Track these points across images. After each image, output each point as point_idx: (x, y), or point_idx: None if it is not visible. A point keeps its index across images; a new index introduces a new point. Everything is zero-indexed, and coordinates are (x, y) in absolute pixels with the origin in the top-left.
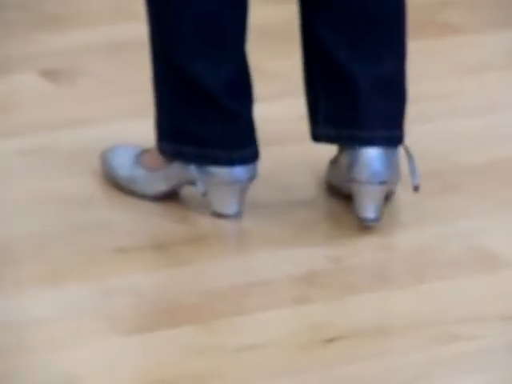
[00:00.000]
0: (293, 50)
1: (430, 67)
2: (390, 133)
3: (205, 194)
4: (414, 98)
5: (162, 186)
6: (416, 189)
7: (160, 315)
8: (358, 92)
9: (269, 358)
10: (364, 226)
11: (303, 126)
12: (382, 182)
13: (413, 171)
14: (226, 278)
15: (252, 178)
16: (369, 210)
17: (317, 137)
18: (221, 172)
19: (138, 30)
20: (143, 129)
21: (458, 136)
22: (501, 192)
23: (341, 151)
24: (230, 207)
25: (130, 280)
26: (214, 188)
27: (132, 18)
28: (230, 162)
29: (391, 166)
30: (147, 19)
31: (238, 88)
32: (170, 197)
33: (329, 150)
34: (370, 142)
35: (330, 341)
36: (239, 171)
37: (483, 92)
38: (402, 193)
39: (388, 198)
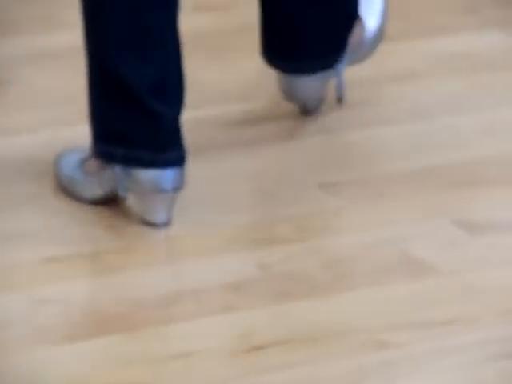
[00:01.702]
0: (225, 59)
1: (359, 74)
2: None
3: (125, 199)
4: (341, 105)
5: (97, 191)
6: (339, 100)
7: (90, 324)
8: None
9: (198, 366)
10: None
11: (235, 133)
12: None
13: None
14: (155, 287)
15: (177, 187)
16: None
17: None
18: (146, 180)
19: (69, 38)
20: (77, 136)
21: (385, 143)
22: (427, 199)
23: None
24: (157, 215)
25: (59, 289)
26: (141, 195)
27: (64, 26)
28: (153, 163)
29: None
30: (82, 21)
31: (163, 89)
32: (107, 202)
33: (261, 160)
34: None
35: (259, 349)
36: (164, 180)
37: (408, 99)
38: (329, 200)
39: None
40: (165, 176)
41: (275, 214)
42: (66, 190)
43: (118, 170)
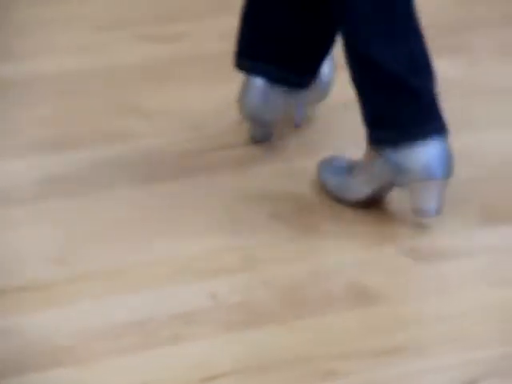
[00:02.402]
0: (170, 88)
1: None
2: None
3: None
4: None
5: (365, 189)
6: (297, 126)
7: (38, 356)
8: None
9: None
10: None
11: (187, 162)
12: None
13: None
14: (104, 317)
15: (447, 175)
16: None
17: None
18: (418, 168)
19: (18, 69)
20: (29, 168)
21: None
22: (370, 229)
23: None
24: (430, 204)
25: (7, 321)
26: (413, 185)
27: (13, 57)
28: (420, 135)
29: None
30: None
31: (418, 65)
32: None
33: (213, 189)
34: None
35: (211, 379)
36: (435, 167)
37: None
38: (279, 229)
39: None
40: (435, 162)
41: (226, 244)
42: (333, 195)
43: (388, 159)
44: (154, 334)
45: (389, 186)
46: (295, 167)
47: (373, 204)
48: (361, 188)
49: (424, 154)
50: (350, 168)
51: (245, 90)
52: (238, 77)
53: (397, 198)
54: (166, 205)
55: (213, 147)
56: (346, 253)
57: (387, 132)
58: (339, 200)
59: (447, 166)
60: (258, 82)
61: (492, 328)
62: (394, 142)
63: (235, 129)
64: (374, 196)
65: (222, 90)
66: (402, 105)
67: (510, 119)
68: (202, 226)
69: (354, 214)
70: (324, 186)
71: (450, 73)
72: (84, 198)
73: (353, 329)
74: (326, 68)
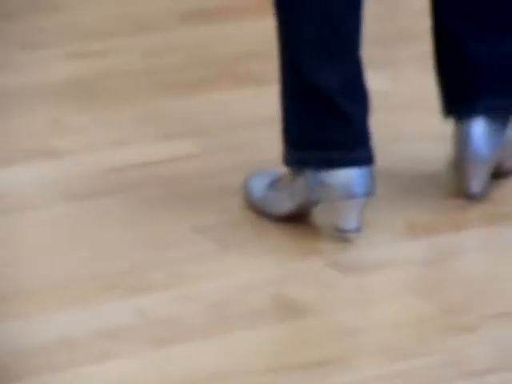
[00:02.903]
0: (93, 105)
1: (231, 117)
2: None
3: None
4: None
5: (287, 204)
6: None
7: None
8: (483, 69)
9: None
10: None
11: (108, 178)
12: (487, 162)
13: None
14: (32, 335)
15: (368, 192)
16: (475, 188)
17: (447, 112)
18: (338, 185)
19: None
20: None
21: None
22: (297, 241)
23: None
24: (349, 222)
25: None
26: (332, 203)
27: None
28: (345, 163)
29: (498, 143)
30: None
31: (352, 89)
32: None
33: (134, 206)
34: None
35: None
36: (355, 185)
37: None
38: (203, 244)
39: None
40: (355, 181)
41: (150, 259)
42: (257, 209)
43: (310, 178)
44: (81, 351)
45: (311, 202)
46: (220, 182)
47: (297, 218)
48: (284, 203)
49: (345, 173)
50: (274, 182)
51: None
52: (159, 90)
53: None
54: (90, 221)
55: (137, 163)
56: (272, 266)
57: (310, 154)
58: (263, 214)
59: (369, 184)
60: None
61: (415, 339)
62: (316, 165)
63: (162, 144)
64: (298, 211)
65: (147, 105)
66: (331, 128)
67: (432, 132)
68: (126, 242)
69: (278, 227)
70: (248, 200)
71: (375, 86)
72: (4, 216)
73: (280, 342)
74: None
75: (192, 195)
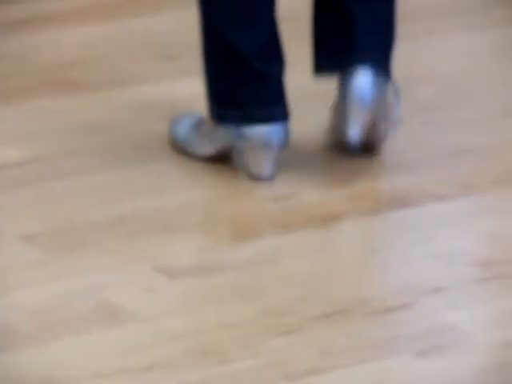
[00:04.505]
0: None
1: (56, 124)
2: (381, 57)
3: (241, 155)
4: None
5: (209, 149)
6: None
7: None
8: (358, 27)
9: None
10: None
11: None
12: (369, 106)
13: (396, 106)
14: None
15: (282, 144)
16: (354, 131)
17: (319, 68)
18: (256, 137)
19: None
20: None
21: (88, 192)
22: (128, 246)
23: (338, 89)
24: (264, 169)
25: None
26: (250, 152)
27: None
28: (262, 119)
29: (380, 95)
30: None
31: (268, 51)
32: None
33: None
34: (363, 60)
35: None
36: (271, 137)
37: (105, 148)
38: (30, 251)
39: (377, 131)
40: (272, 133)
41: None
42: (181, 149)
43: (230, 128)
44: None
45: (230, 148)
46: (46, 189)
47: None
48: (205, 147)
49: (263, 128)
50: (198, 126)
51: None
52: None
53: (147, 217)
54: None
55: None
56: (98, 272)
57: (230, 111)
58: (187, 154)
59: (284, 137)
60: None
61: (239, 342)
62: (236, 121)
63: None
64: (218, 154)
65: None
66: (248, 88)
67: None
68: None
69: (106, 233)
70: (173, 142)
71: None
72: None
73: (106, 348)
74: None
75: (18, 203)
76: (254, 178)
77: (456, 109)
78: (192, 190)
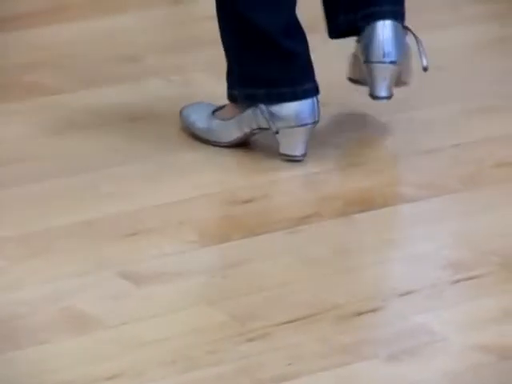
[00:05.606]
0: None
1: (16, 129)
2: (397, 8)
3: (277, 133)
4: None
5: (235, 133)
6: (425, 69)
7: None
8: None
9: None
10: None
11: None
12: (393, 62)
13: (421, 53)
14: None
15: (315, 121)
16: (383, 90)
17: (337, 30)
18: (289, 115)
19: None
20: None
21: (47, 198)
22: (93, 252)
23: (358, 41)
24: (298, 149)
25: None
26: (283, 131)
27: None
28: (295, 96)
29: (402, 48)
30: None
31: (293, 29)
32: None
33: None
34: (382, 16)
35: None
36: (304, 114)
37: (67, 153)
38: None
39: (399, 84)
40: (305, 109)
41: None
42: (204, 139)
43: (261, 109)
44: None
45: (257, 130)
46: (11, 196)
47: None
48: (231, 132)
49: (295, 104)
50: (217, 112)
51: None
52: None
53: (112, 222)
54: None
55: None
56: (62, 279)
57: (260, 90)
58: (209, 143)
59: (316, 112)
60: None
61: (207, 348)
62: (268, 100)
63: None
64: (244, 139)
65: None
66: (274, 65)
67: None
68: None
69: (71, 239)
70: (191, 131)
71: (164, 92)
72: None
73: (73, 356)
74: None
75: None
76: (288, 159)
77: (425, 108)
78: (157, 194)
